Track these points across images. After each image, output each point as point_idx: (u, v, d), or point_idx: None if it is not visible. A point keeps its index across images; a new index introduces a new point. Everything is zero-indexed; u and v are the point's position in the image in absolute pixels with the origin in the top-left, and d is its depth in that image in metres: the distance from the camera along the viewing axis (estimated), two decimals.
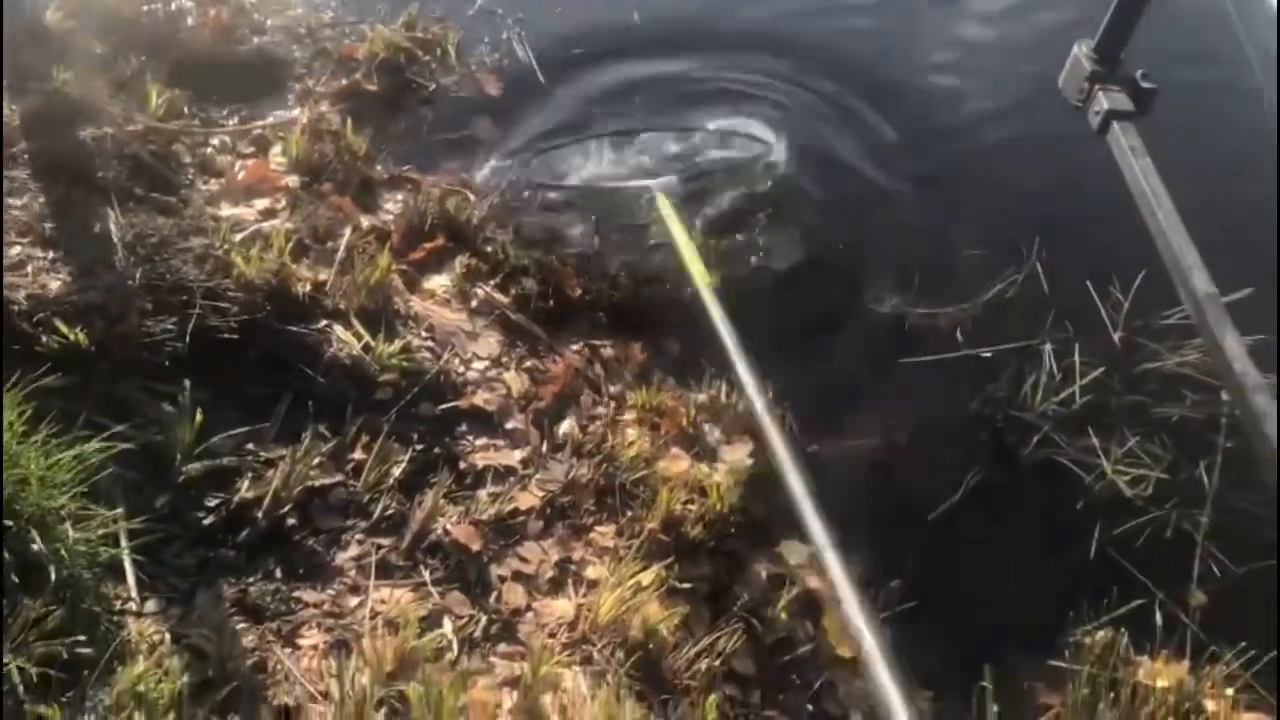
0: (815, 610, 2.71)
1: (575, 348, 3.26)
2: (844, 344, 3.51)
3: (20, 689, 1.77)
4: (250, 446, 2.55)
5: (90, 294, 2.53)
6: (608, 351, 3.29)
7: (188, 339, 2.58)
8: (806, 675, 2.60)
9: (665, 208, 3.68)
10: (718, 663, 2.46)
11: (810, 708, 2.57)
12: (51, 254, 2.63)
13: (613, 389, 3.17)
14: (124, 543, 2.17)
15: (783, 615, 2.65)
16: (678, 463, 2.92)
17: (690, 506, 2.76)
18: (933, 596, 2.81)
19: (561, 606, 2.50)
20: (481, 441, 2.85)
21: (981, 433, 3.30)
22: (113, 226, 2.75)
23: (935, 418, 3.31)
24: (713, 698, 2.33)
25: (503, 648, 2.35)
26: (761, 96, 4.32)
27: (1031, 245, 3.67)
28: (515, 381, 3.04)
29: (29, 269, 2.55)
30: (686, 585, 2.60)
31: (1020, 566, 3.00)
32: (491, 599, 2.45)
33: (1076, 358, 3.35)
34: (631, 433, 2.99)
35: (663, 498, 2.74)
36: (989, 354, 3.44)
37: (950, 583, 2.91)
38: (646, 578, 2.52)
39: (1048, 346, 3.42)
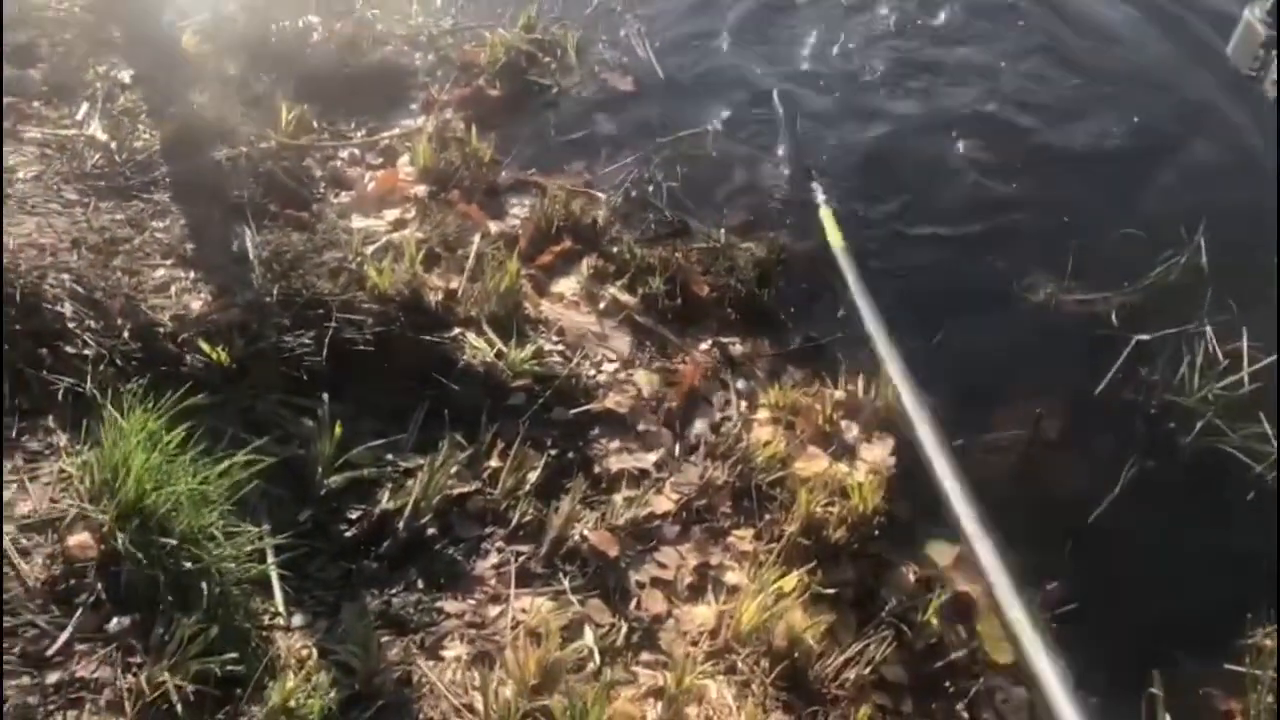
0: (968, 614, 2.59)
1: (704, 346, 3.20)
2: (992, 328, 3.35)
3: (178, 707, 1.81)
4: (389, 457, 2.57)
5: (231, 312, 2.59)
6: (738, 349, 3.22)
7: (325, 353, 2.62)
8: (961, 682, 2.49)
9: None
10: (867, 671, 2.37)
11: (966, 716, 2.45)
12: (193, 274, 2.70)
13: (744, 387, 3.10)
14: (270, 558, 2.21)
15: (933, 620, 2.54)
16: (815, 462, 2.83)
17: (830, 508, 2.67)
18: (1094, 597, 2.66)
19: (702, 613, 2.45)
20: (615, 445, 2.82)
21: (1138, 421, 3.11)
22: (249, 245, 2.82)
23: (1089, 406, 3.13)
24: (864, 709, 2.25)
25: (645, 657, 2.31)
26: None
27: (1191, 226, 3.46)
28: (646, 382, 3.00)
29: (172, 290, 2.63)
30: (830, 590, 2.51)
31: (1187, 564, 2.81)
32: (631, 606, 2.42)
33: (1244, 341, 3.13)
34: (766, 432, 2.91)
35: (801, 499, 2.66)
36: (1147, 338, 3.23)
37: (1112, 582, 2.73)
38: (788, 583, 2.45)
39: (1208, 329, 3.21)
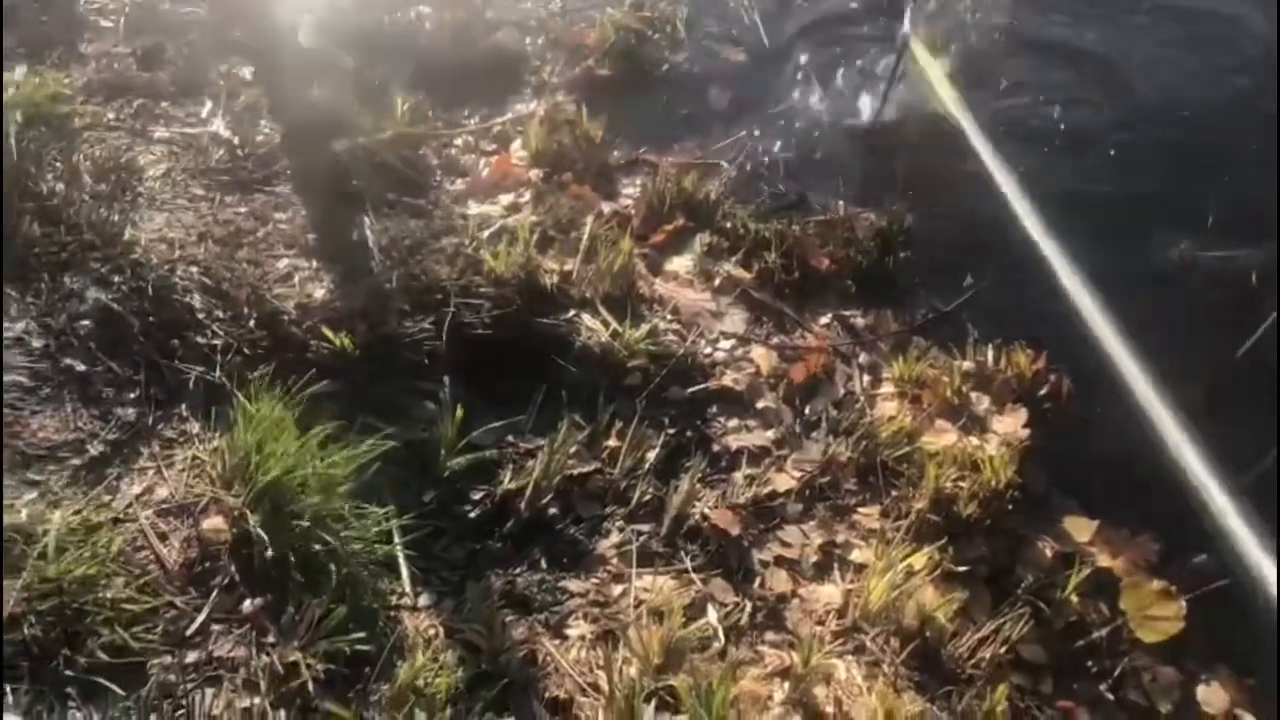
0: (1111, 591, 2.46)
1: (824, 320, 3.13)
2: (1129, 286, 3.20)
3: (309, 685, 1.84)
4: (509, 438, 2.58)
5: (353, 300, 2.63)
6: (859, 321, 3.14)
7: (444, 337, 2.64)
8: (1104, 662, 2.37)
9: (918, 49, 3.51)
10: (1003, 650, 2.27)
11: (1110, 697, 2.33)
12: (315, 263, 2.75)
13: (866, 361, 3.02)
14: (397, 539, 2.24)
15: (1073, 597, 2.42)
16: (944, 436, 2.74)
17: (961, 483, 2.57)
18: None
19: (828, 592, 2.39)
20: (733, 423, 2.78)
21: None
22: (369, 233, 2.86)
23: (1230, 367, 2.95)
24: (1001, 689, 2.16)
25: (770, 636, 2.27)
26: None
27: None
28: (764, 359, 2.94)
29: (295, 279, 2.68)
30: (963, 568, 2.42)
31: None
32: (755, 585, 2.37)
33: None
34: (891, 406, 2.83)
35: (930, 474, 2.57)
36: None
37: None
38: (918, 561, 2.37)
39: None
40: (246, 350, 2.43)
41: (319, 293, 2.65)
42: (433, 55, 3.92)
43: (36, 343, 2.35)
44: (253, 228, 2.78)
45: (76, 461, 2.16)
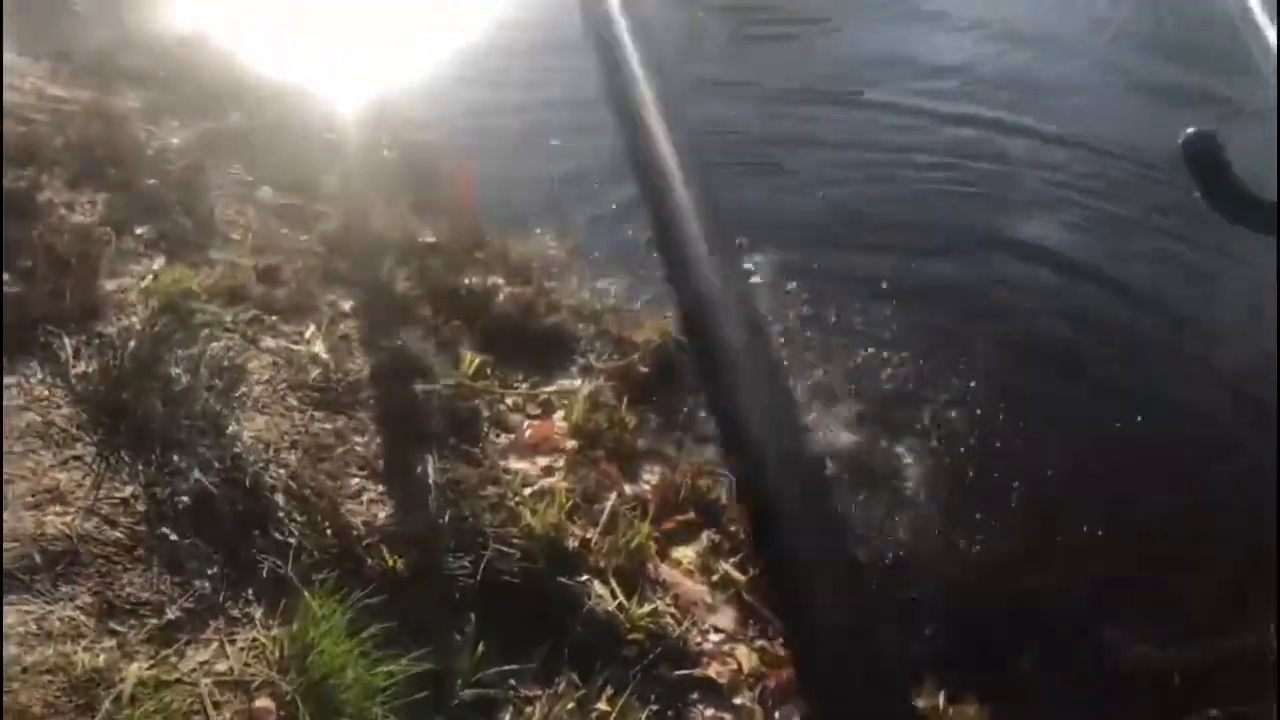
0: None
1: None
2: None
3: None
4: (512, 683, 2.86)
5: (410, 527, 2.98)
6: None
7: (478, 577, 2.98)
8: None
9: None
10: None
11: None
12: (382, 487, 3.11)
13: None
14: None
15: None
16: None
17: None
18: None
19: None
20: (710, 713, 3.07)
21: None
22: (430, 470, 3.24)
23: None
24: None
25: None
26: None
27: None
28: (746, 659, 3.27)
29: (364, 498, 3.04)
30: None
31: None
32: None
33: None
34: None
35: None
36: None
37: None
38: None
39: None
40: (315, 553, 2.75)
41: (382, 515, 3.00)
42: (500, 321, 4.42)
43: (140, 507, 2.68)
44: (334, 445, 3.16)
45: (154, 621, 2.45)
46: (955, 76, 7.26)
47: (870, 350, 4.94)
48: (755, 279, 5.26)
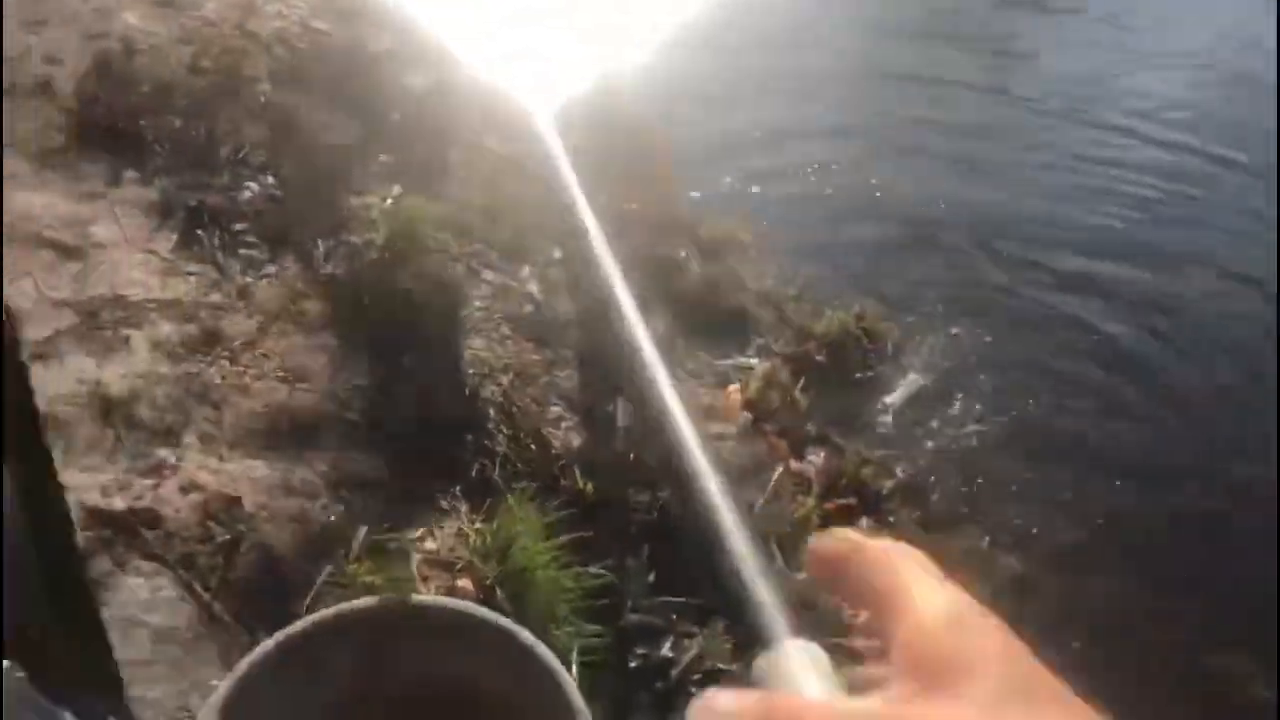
0: None
1: None
2: None
3: None
4: (674, 615, 3.06)
5: (600, 457, 3.21)
6: None
7: (654, 514, 3.18)
8: None
9: None
10: None
11: None
12: (577, 418, 3.35)
13: None
14: (574, 654, 2.71)
15: None
16: None
17: None
18: None
19: None
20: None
21: None
22: (619, 411, 3.46)
23: None
24: None
25: None
26: None
27: None
28: None
29: (561, 426, 3.28)
30: None
31: None
32: None
33: None
34: None
35: None
36: None
37: None
38: None
39: None
40: (518, 464, 3.00)
41: (576, 442, 3.23)
42: (686, 294, 4.63)
43: (371, 396, 2.97)
44: (540, 374, 3.41)
45: (379, 496, 2.73)
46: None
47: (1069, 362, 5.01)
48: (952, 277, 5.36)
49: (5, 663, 0.89)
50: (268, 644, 1.31)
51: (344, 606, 1.37)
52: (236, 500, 2.49)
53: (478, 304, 3.55)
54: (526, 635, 1.36)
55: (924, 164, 6.51)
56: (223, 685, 1.27)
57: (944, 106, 7.24)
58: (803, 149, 6.43)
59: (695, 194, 5.68)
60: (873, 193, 6.11)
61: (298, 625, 1.32)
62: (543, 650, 1.33)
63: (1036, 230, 5.98)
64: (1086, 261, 5.74)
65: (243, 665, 1.29)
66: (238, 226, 3.28)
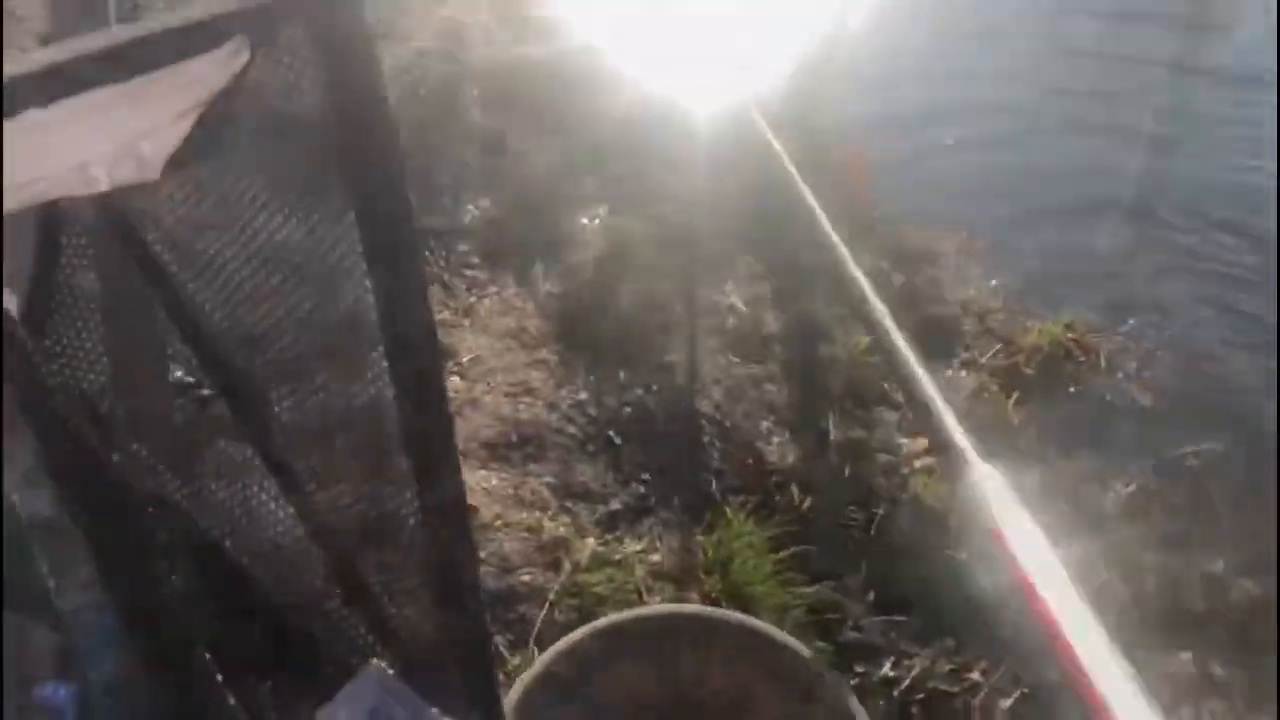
0: None
1: None
2: None
3: None
4: (894, 635, 3.01)
5: (813, 473, 3.19)
6: None
7: (872, 532, 3.15)
8: None
9: None
10: None
11: None
12: (788, 434, 3.35)
13: None
14: None
15: None
16: None
17: None
18: None
19: None
20: None
21: None
22: (831, 427, 3.44)
23: None
24: None
25: None
26: None
27: None
28: None
29: (773, 440, 3.28)
30: None
31: None
32: None
33: None
34: None
35: None
36: None
37: None
38: None
39: None
40: (734, 479, 3.02)
41: (791, 458, 3.23)
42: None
43: (591, 410, 3.05)
44: (749, 389, 3.42)
45: (601, 508, 2.79)
46: None
47: None
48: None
49: (374, 661, 0.95)
50: (551, 652, 1.35)
51: (626, 615, 1.40)
52: (473, 510, 2.59)
53: (687, 319, 3.59)
54: (817, 659, 1.36)
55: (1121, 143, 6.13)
56: (510, 694, 1.32)
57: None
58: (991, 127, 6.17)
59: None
60: (1074, 177, 5.83)
61: (578, 633, 1.36)
62: (833, 677, 1.33)
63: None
64: None
65: (527, 675, 1.33)
66: (461, 247, 3.42)
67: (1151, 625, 3.50)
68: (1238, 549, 3.84)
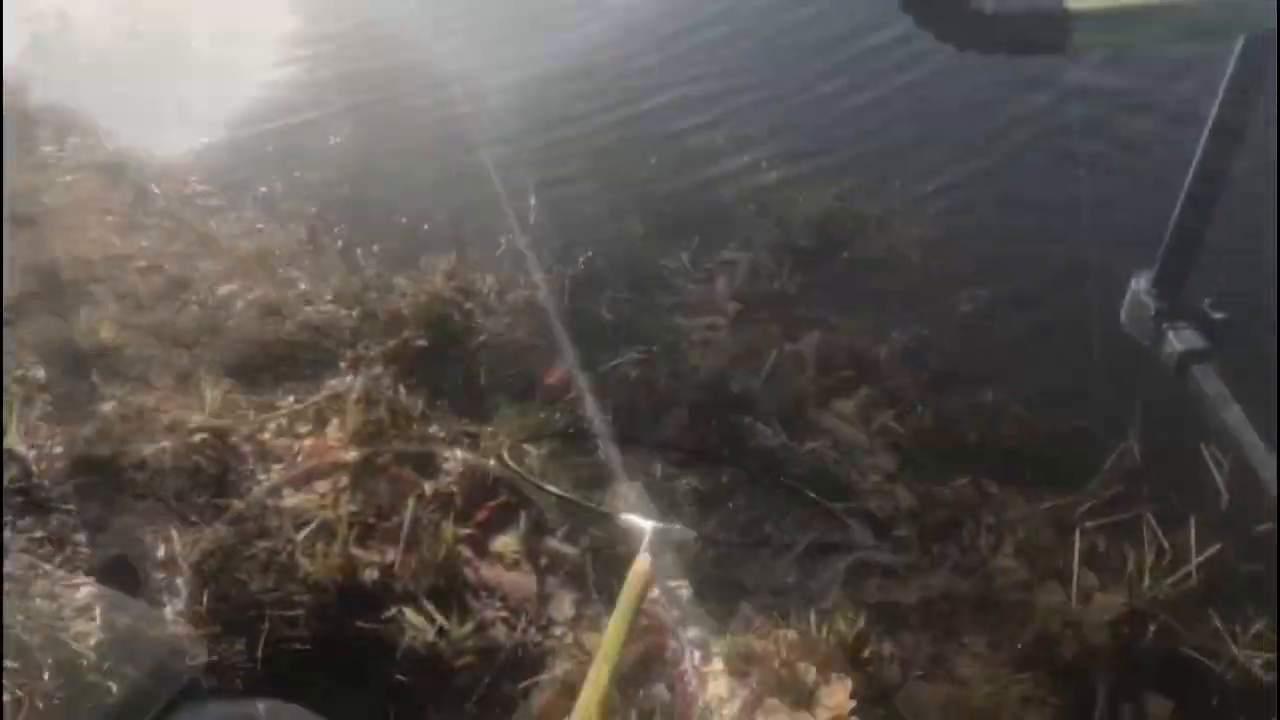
0: None
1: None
2: None
3: None
4: None
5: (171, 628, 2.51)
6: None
7: (259, 660, 2.54)
8: None
9: None
10: None
11: None
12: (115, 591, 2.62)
13: (698, 635, 3.04)
14: None
15: None
16: (774, 715, 2.75)
17: None
18: None
19: None
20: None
21: None
22: (178, 548, 2.75)
23: None
24: None
25: None
26: None
27: None
28: (596, 644, 2.92)
29: (96, 611, 2.54)
30: None
31: None
32: None
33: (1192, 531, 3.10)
34: (721, 686, 2.83)
35: None
36: None
37: None
38: None
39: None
40: None
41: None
42: (242, 337, 3.88)
43: None
44: (50, 553, 2.64)
45: None
46: None
47: None
48: None
49: None
50: None
51: None
52: None
53: None
54: None
55: None
56: None
57: None
58: None
59: None
60: None
61: None
62: None
63: None
64: None
65: None
66: None
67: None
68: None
